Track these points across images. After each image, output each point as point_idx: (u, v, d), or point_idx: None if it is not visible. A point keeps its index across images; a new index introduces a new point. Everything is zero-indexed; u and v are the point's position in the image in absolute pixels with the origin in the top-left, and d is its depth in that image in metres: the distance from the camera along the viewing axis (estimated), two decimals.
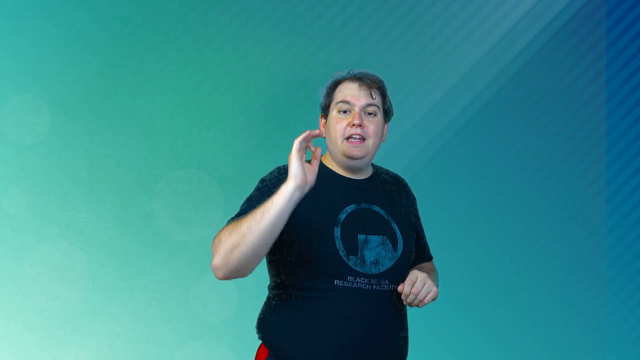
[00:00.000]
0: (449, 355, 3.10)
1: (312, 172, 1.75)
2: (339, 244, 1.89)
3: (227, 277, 1.84)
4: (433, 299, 1.87)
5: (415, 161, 3.06)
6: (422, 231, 2.11)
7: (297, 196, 1.71)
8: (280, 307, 1.93)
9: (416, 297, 1.84)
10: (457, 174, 3.12)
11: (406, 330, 1.98)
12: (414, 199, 2.09)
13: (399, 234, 1.95)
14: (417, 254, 2.05)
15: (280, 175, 1.90)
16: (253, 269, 1.82)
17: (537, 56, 3.11)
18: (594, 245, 3.13)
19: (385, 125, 2.02)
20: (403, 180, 2.11)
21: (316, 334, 1.87)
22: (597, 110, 3.13)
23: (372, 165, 2.06)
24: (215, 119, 3.06)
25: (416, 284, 1.85)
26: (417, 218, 2.08)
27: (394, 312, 1.92)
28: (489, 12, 3.09)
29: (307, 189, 1.73)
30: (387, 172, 2.10)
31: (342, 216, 1.93)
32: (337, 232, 1.90)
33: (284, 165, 1.95)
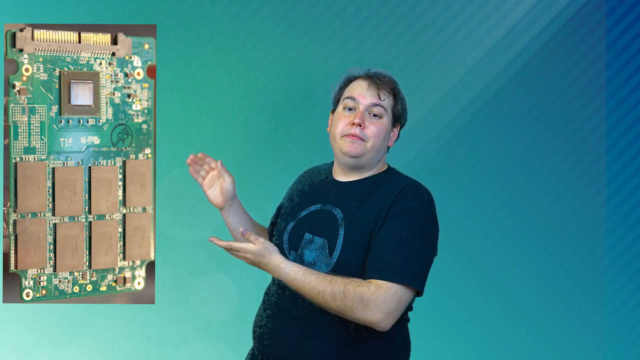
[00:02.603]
0: (449, 355, 3.10)
1: (215, 194, 2.03)
2: (286, 237, 1.93)
3: None
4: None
5: (415, 161, 3.07)
6: (379, 242, 1.77)
7: (222, 214, 2.07)
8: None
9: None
10: (457, 174, 3.12)
11: (332, 345, 1.80)
12: (397, 203, 1.81)
13: (339, 242, 1.82)
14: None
15: (295, 183, 2.11)
16: None
17: (537, 56, 3.11)
18: (594, 245, 3.13)
19: (394, 130, 1.95)
20: (404, 187, 1.85)
21: (259, 318, 1.95)
22: (597, 110, 3.13)
23: (389, 170, 1.96)
24: (215, 119, 3.06)
25: (236, 246, 1.80)
26: (383, 226, 1.78)
27: (319, 321, 1.81)
28: (489, 12, 3.09)
29: (226, 204, 2.04)
30: (394, 178, 1.92)
31: (303, 213, 1.94)
32: (290, 226, 1.94)
33: (308, 169, 2.13)
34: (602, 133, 3.13)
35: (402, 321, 1.88)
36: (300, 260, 1.87)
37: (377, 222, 1.80)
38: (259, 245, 1.77)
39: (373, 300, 1.69)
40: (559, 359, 3.12)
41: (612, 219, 3.13)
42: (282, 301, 1.88)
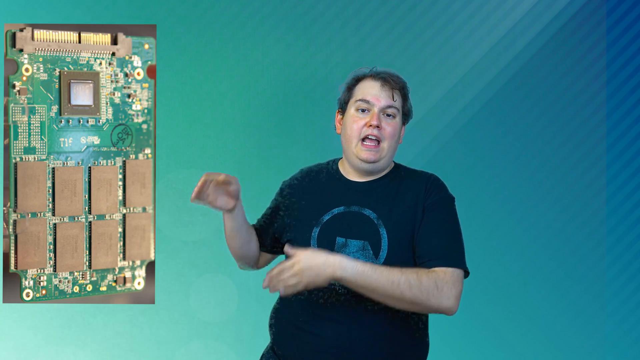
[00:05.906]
0: (449, 355, 3.10)
1: (225, 200, 1.92)
2: (314, 244, 1.89)
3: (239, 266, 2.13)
4: (285, 292, 1.72)
5: (415, 161, 3.06)
6: (427, 233, 1.83)
7: (227, 216, 1.96)
8: (281, 297, 1.98)
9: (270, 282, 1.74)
10: (457, 174, 3.12)
11: (391, 343, 1.84)
12: (429, 196, 1.88)
13: (384, 241, 1.83)
14: (415, 258, 1.85)
15: (292, 182, 2.05)
16: (249, 262, 2.09)
17: (537, 56, 3.11)
18: (594, 245, 3.13)
19: (403, 128, 1.97)
20: (428, 180, 1.91)
21: (292, 328, 1.90)
22: (597, 110, 3.13)
23: (397, 166, 1.98)
24: (215, 119, 3.06)
25: (274, 271, 1.73)
26: (424, 219, 1.85)
27: (372, 322, 1.82)
28: (489, 12, 3.09)
29: (237, 204, 1.93)
30: (409, 173, 1.95)
31: (326, 217, 1.91)
32: (316, 232, 1.90)
33: (304, 169, 2.07)
34: (602, 133, 3.13)
35: (426, 319, 1.95)
36: None
37: (416, 217, 1.85)
38: (305, 252, 1.73)
39: (445, 284, 1.75)
40: (559, 359, 3.12)
41: (612, 219, 3.13)
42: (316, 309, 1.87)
